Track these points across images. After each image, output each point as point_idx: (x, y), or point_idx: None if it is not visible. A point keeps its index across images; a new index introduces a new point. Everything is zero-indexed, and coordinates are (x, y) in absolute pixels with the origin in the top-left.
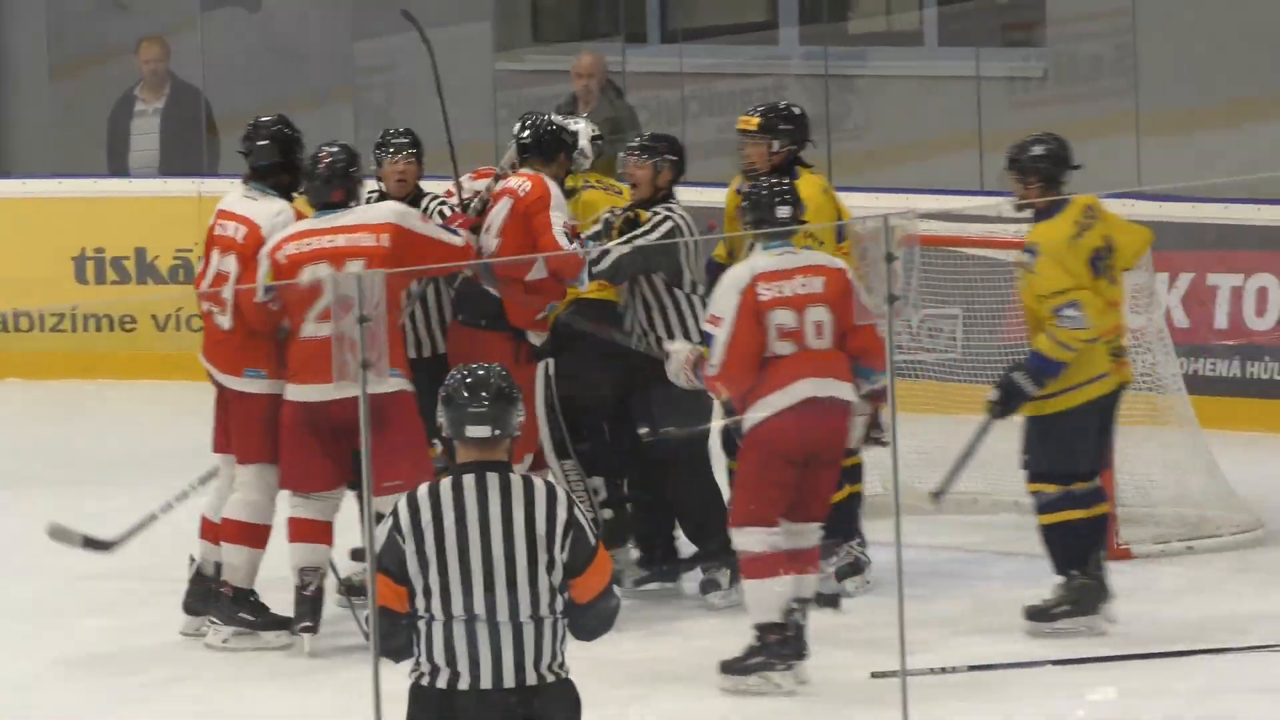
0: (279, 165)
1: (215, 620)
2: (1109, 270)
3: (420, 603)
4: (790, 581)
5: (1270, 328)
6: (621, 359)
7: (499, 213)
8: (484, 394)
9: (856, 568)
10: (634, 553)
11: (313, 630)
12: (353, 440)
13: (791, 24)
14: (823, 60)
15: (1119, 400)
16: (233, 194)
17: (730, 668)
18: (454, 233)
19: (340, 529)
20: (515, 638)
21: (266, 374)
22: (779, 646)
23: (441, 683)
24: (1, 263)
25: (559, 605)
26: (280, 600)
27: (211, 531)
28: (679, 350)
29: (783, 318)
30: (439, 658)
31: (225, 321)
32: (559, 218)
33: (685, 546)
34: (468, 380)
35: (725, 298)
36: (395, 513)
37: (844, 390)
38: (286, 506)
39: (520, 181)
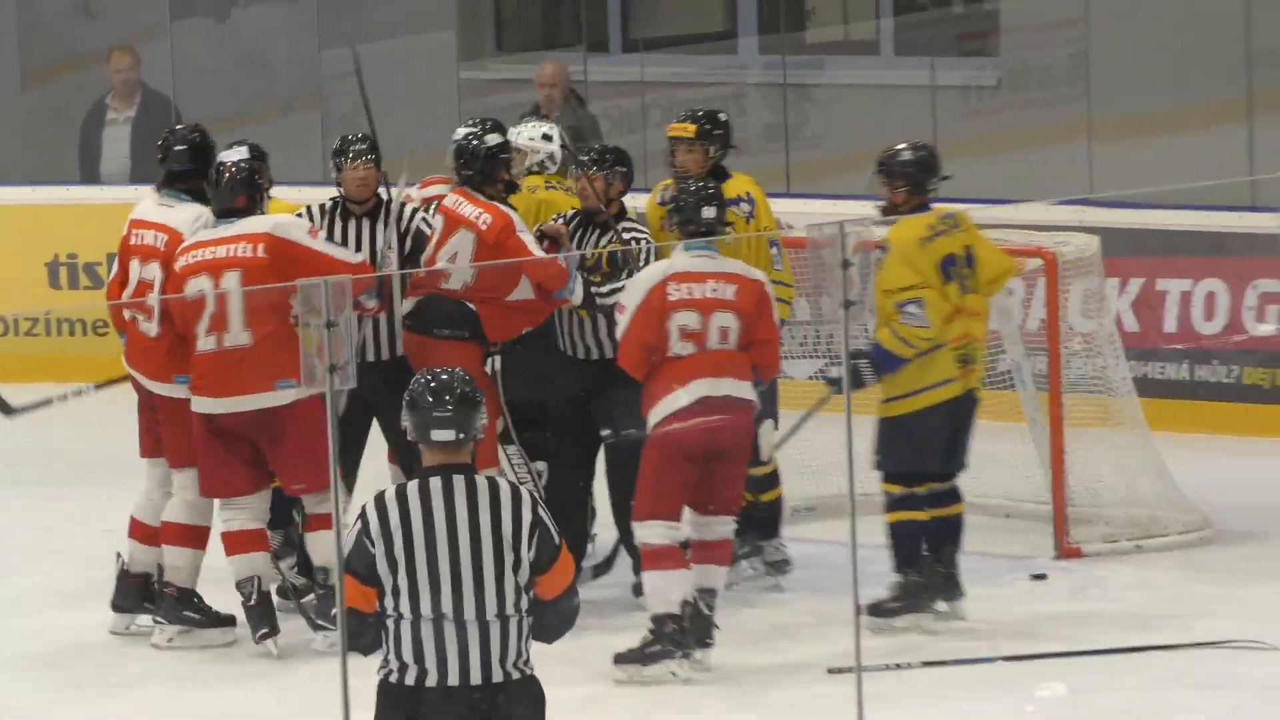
0: (194, 171)
1: (161, 620)
2: (963, 279)
3: (389, 602)
4: (690, 574)
5: (1218, 332)
6: (581, 361)
7: (461, 244)
8: (448, 398)
9: (780, 567)
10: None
11: (272, 634)
12: (259, 448)
13: (751, 34)
14: (781, 69)
15: (972, 406)
16: (145, 203)
17: (626, 658)
18: (348, 247)
19: None
20: (482, 636)
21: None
22: (677, 636)
23: (409, 680)
24: None
25: (524, 604)
26: (222, 600)
27: (140, 531)
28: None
29: (686, 319)
30: (407, 655)
31: (152, 329)
32: (528, 238)
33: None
34: (432, 385)
35: (635, 290)
36: (364, 516)
37: (742, 389)
38: (219, 520)
39: (476, 211)
